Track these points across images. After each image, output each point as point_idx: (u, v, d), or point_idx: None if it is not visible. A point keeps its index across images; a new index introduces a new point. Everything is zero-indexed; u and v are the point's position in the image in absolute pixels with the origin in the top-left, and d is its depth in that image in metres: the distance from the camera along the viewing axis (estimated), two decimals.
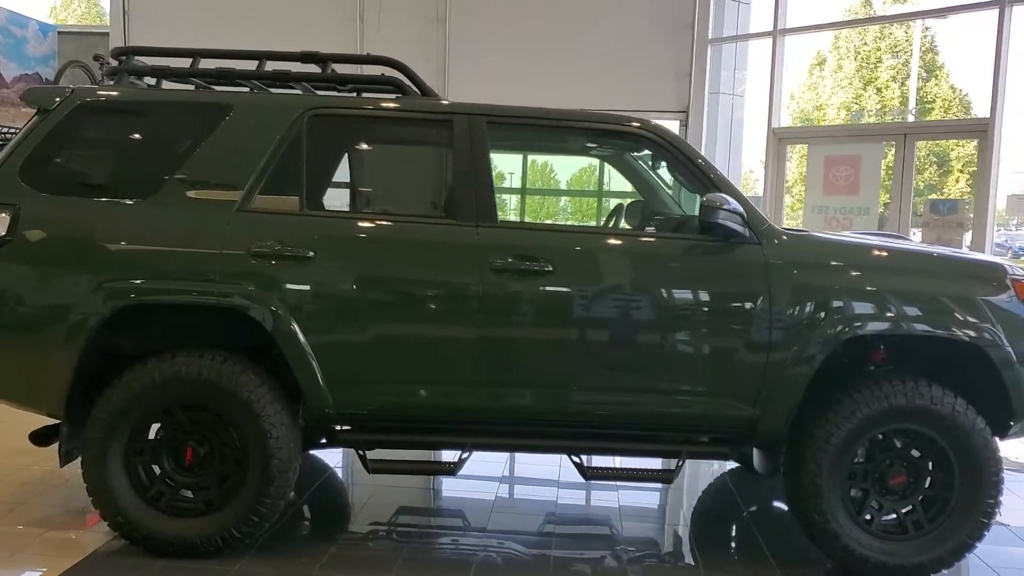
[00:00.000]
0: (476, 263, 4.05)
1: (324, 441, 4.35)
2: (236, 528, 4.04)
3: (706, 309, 4.12)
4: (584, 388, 4.13)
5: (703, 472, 5.60)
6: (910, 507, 4.22)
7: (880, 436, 4.17)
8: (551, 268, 4.06)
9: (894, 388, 4.09)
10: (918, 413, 4.09)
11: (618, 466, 4.41)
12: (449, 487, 5.30)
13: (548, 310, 4.09)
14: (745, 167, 14.01)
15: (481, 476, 5.42)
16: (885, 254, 4.36)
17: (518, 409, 4.13)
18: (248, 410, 4.00)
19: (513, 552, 4.37)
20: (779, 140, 13.12)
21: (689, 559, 4.39)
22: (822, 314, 4.07)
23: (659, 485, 5.20)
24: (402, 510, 4.93)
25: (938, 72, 31.01)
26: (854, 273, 4.16)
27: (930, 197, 21.44)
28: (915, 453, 4.21)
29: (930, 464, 4.21)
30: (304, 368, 4.03)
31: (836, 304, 4.08)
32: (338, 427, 4.23)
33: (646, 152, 4.67)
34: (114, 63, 4.42)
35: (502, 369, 4.10)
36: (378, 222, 4.20)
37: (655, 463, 4.24)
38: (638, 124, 4.30)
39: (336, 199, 4.70)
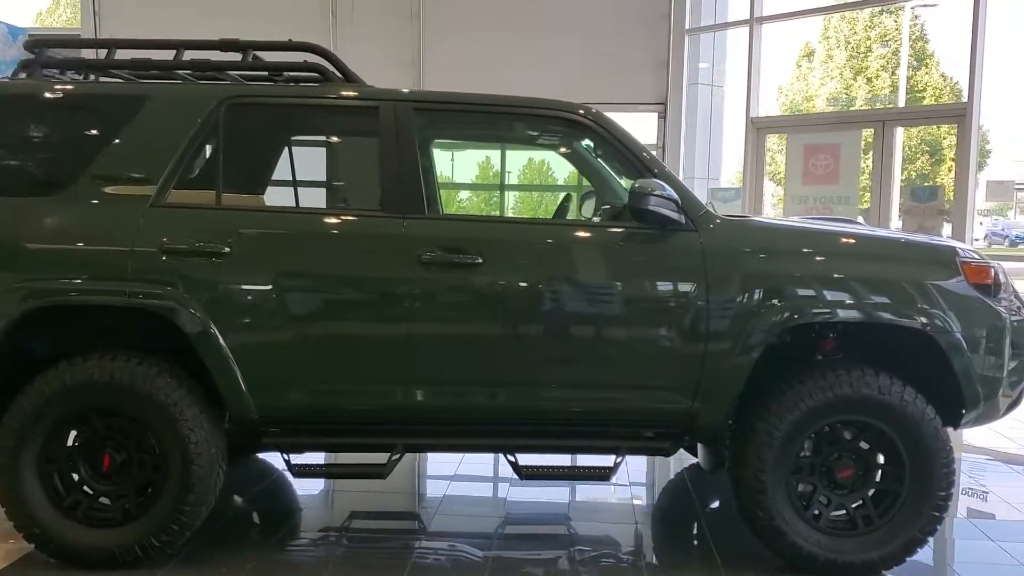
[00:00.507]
0: (402, 256, 3.88)
1: (252, 446, 4.17)
2: (155, 537, 3.88)
3: (640, 299, 3.96)
4: (517, 384, 3.97)
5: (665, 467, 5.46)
6: (860, 502, 4.05)
7: (827, 428, 4.00)
8: (480, 260, 3.89)
9: (839, 377, 3.93)
10: (865, 403, 3.93)
11: (553, 464, 4.24)
12: (402, 487, 5.13)
13: (478, 304, 3.93)
14: (729, 159, 13.82)
15: (438, 476, 5.27)
16: (827, 239, 4.20)
17: (449, 408, 3.98)
18: (165, 414, 3.83)
19: (460, 554, 4.21)
20: (758, 130, 12.95)
21: (648, 558, 4.23)
22: (760, 302, 3.91)
23: (622, 481, 5.01)
24: (353, 514, 4.76)
25: (928, 60, 30.85)
26: (793, 259, 4.00)
27: (910, 185, 21.22)
28: (864, 445, 4.05)
29: (879, 456, 4.04)
30: (223, 370, 3.86)
31: (774, 291, 3.92)
32: (264, 431, 4.04)
33: (583, 139, 4.50)
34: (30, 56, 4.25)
35: (432, 367, 3.93)
36: (298, 215, 4.03)
37: (598, 460, 4.06)
38: (567, 108, 4.13)
39: (269, 193, 4.51)
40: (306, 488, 5.03)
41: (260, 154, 4.33)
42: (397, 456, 3.96)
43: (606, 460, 4.05)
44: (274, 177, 4.36)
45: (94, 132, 4.03)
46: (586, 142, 4.66)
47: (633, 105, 13.43)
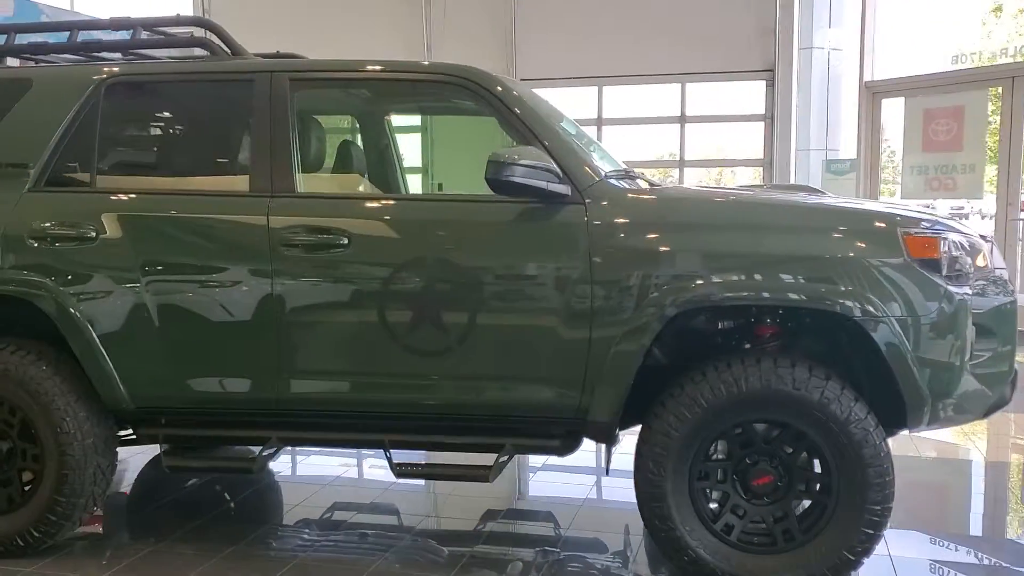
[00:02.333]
0: (266, 238, 3.64)
1: (131, 437, 4.04)
2: (35, 527, 3.82)
3: (516, 281, 3.55)
4: (388, 375, 3.65)
5: None
6: (781, 514, 3.49)
7: (737, 429, 3.46)
8: (346, 241, 3.60)
9: (746, 369, 3.38)
10: (777, 400, 3.37)
11: (429, 462, 3.89)
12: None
13: (344, 289, 3.63)
14: (849, 128, 12.75)
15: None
16: (741, 209, 3.63)
17: (318, 400, 3.71)
18: (37, 402, 3.77)
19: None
20: (872, 94, 11.89)
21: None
22: (650, 283, 3.42)
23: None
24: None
25: None
26: (689, 233, 3.47)
27: None
28: (786, 449, 3.48)
29: (799, 463, 3.47)
30: (91, 359, 3.75)
31: (667, 271, 3.41)
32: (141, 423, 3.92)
33: (473, 104, 4.08)
34: None
35: (299, 357, 3.68)
36: (165, 197, 3.85)
37: (483, 459, 3.67)
38: (448, 70, 3.75)
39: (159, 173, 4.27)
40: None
41: (148, 134, 4.18)
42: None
43: (486, 459, 3.66)
44: (166, 157, 4.20)
45: None
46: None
47: (738, 74, 12.65)
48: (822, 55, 12.84)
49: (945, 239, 3.41)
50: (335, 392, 3.69)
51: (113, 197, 3.85)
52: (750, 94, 12.59)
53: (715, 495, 3.55)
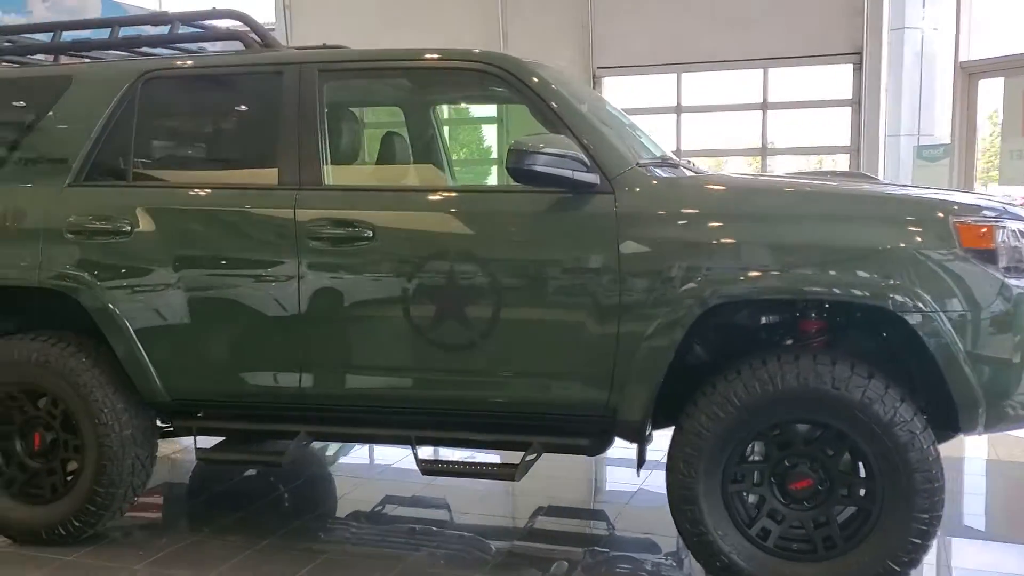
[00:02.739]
0: (293, 232, 3.61)
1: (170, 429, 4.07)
2: (75, 517, 3.89)
3: (544, 274, 3.42)
4: (415, 370, 3.58)
5: None
6: (822, 519, 3.29)
7: (776, 430, 3.28)
8: (371, 234, 3.54)
9: (782, 367, 3.19)
10: (816, 399, 3.17)
11: (455, 460, 3.80)
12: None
13: (368, 283, 3.57)
14: (945, 111, 12.16)
15: None
16: (778, 198, 3.43)
17: (347, 395, 3.67)
18: (77, 393, 3.84)
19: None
20: (968, 75, 11.30)
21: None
22: (679, 276, 3.26)
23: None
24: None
25: None
26: (727, 224, 3.29)
27: None
28: (828, 452, 3.28)
29: (842, 467, 3.26)
30: (128, 352, 3.79)
31: (697, 263, 3.25)
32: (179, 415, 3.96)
33: (504, 91, 3.96)
34: None
35: (326, 350, 3.64)
36: (198, 190, 3.86)
37: (512, 456, 3.57)
38: (478, 57, 3.64)
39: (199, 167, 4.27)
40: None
41: (184, 128, 4.20)
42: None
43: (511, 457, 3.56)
44: (199, 151, 4.21)
45: (24, 115, 4.07)
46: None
47: (824, 57, 12.18)
48: (915, 35, 12.28)
49: (1003, 227, 3.15)
50: (361, 387, 3.64)
51: (145, 191, 3.88)
52: (836, 78, 12.11)
53: (752, 499, 3.37)
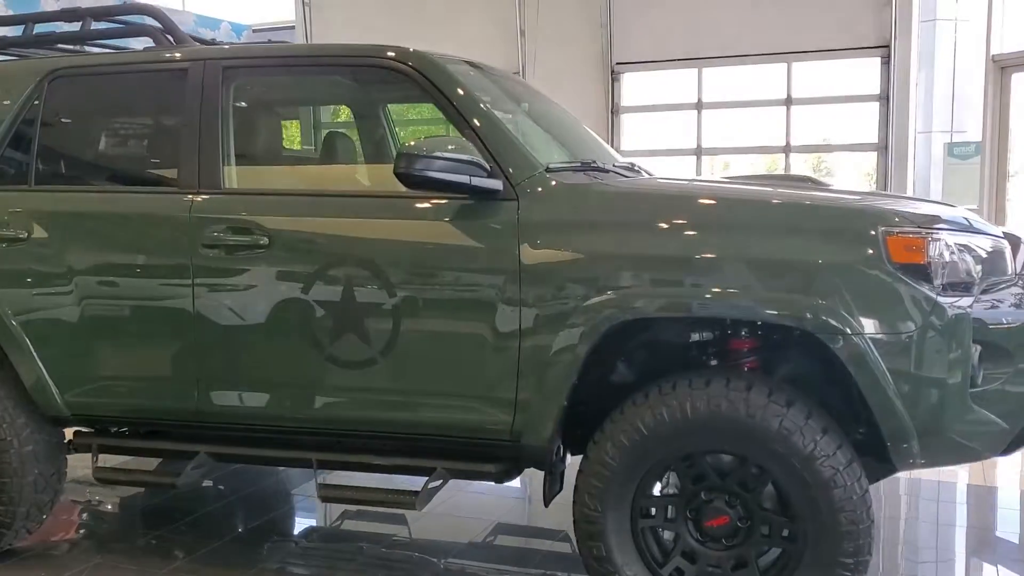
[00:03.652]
0: (187, 238, 3.40)
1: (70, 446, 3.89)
2: None
3: (440, 287, 3.16)
4: (311, 389, 3.34)
5: None
6: (737, 561, 2.99)
7: (686, 462, 2.98)
8: (266, 241, 3.31)
9: (692, 392, 2.89)
10: (728, 429, 2.87)
11: (355, 485, 3.54)
12: None
13: (263, 294, 3.34)
14: (979, 106, 11.60)
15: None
16: (692, 207, 3.11)
17: (237, 413, 3.44)
18: None
19: None
20: (1001, 69, 10.75)
21: None
22: (579, 292, 2.97)
23: None
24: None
25: None
26: (629, 235, 3.00)
27: None
28: (746, 487, 2.97)
29: (761, 503, 2.95)
30: (23, 363, 3.62)
31: (597, 278, 2.96)
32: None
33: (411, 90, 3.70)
34: None
35: (217, 366, 3.43)
36: (93, 194, 3.67)
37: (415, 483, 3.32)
38: (378, 51, 3.38)
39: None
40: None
41: (87, 129, 4.00)
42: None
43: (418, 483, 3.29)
44: (102, 152, 4.00)
45: None
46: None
47: (850, 51, 11.71)
48: (947, 27, 11.73)
49: (938, 240, 2.81)
50: (253, 405, 3.41)
51: (41, 195, 3.70)
52: (862, 73, 11.64)
53: (668, 535, 3.08)
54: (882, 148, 11.56)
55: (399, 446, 3.36)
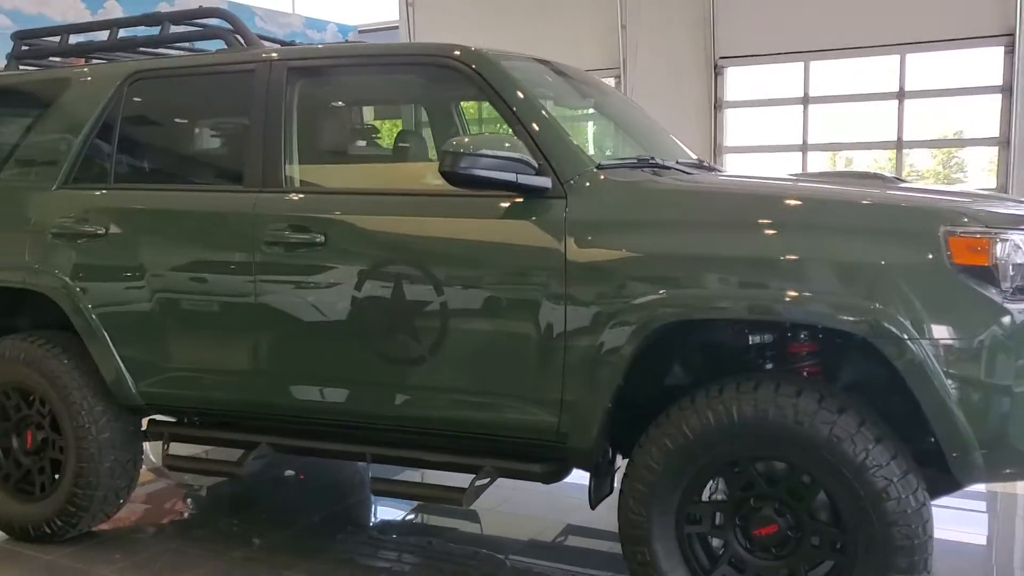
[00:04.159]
0: (251, 236, 3.49)
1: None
2: (58, 516, 3.92)
3: (488, 287, 3.14)
4: (363, 384, 3.38)
5: None
6: (788, 571, 2.88)
7: (736, 468, 2.89)
8: (322, 240, 3.37)
9: (740, 396, 2.80)
10: (776, 435, 2.76)
11: (405, 479, 3.56)
12: None
13: (319, 291, 3.40)
14: None
15: None
16: (748, 204, 2.99)
17: (296, 407, 3.51)
18: (58, 394, 3.86)
19: None
20: None
21: None
22: (629, 290, 2.91)
23: None
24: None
25: None
26: (675, 234, 2.92)
27: None
28: (796, 495, 2.86)
29: (809, 512, 2.84)
30: (101, 354, 3.79)
31: (648, 277, 2.90)
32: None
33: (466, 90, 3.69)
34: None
35: (278, 360, 3.51)
36: (166, 192, 3.81)
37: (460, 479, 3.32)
38: (433, 50, 3.40)
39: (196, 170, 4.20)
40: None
41: (158, 129, 4.13)
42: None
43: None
44: (177, 152, 4.14)
45: (24, 118, 4.13)
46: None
47: (969, 40, 11.15)
48: None
49: (1006, 241, 2.64)
50: (308, 399, 3.47)
51: (118, 194, 3.85)
52: (983, 63, 11.06)
53: (717, 543, 2.99)
54: (1003, 143, 10.97)
55: (449, 443, 3.36)
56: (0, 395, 4.03)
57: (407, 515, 4.44)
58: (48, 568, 3.80)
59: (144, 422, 4.05)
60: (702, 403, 2.85)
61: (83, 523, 3.95)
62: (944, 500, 4.30)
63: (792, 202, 2.92)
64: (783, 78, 11.85)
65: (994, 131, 11.14)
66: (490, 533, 4.16)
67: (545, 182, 3.07)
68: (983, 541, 4.10)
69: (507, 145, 3.02)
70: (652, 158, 3.42)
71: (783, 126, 11.96)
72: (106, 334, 3.76)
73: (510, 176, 3.01)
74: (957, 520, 4.26)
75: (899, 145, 11.53)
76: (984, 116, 11.16)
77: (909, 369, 2.61)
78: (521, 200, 3.12)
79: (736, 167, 12.03)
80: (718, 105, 12.09)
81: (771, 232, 2.81)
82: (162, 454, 3.85)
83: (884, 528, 2.66)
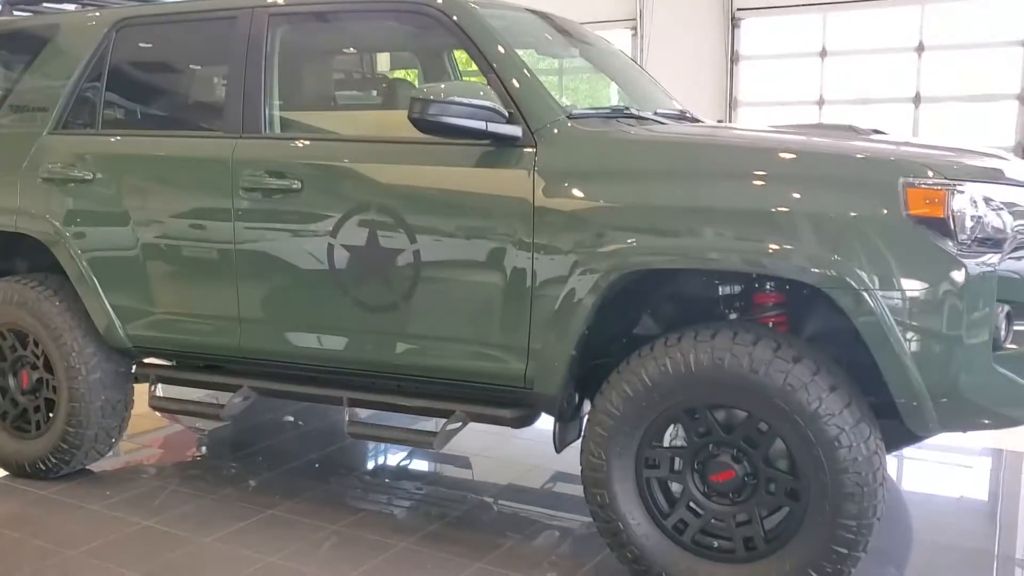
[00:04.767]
0: (229, 181, 3.55)
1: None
2: (52, 454, 4.05)
3: (457, 233, 3.19)
4: (338, 329, 3.46)
5: None
6: (745, 517, 2.94)
7: (694, 414, 2.94)
8: (298, 186, 3.42)
9: (696, 345, 2.85)
10: (732, 384, 2.81)
11: (381, 423, 3.65)
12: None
13: (296, 237, 3.46)
14: None
15: None
16: (709, 153, 3.02)
17: (273, 351, 3.60)
18: (50, 336, 3.97)
19: None
20: None
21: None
22: (591, 240, 2.95)
23: None
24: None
25: None
26: (635, 184, 2.95)
27: None
28: (751, 442, 2.91)
29: (763, 460, 2.89)
30: (90, 297, 3.89)
31: (611, 227, 2.93)
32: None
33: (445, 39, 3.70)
34: None
35: (255, 305, 3.59)
36: (150, 137, 3.87)
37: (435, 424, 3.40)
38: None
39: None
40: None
41: (142, 76, 4.17)
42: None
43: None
44: (159, 98, 4.18)
45: (19, 64, 4.19)
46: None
47: None
48: None
49: (962, 193, 2.64)
50: (284, 344, 3.55)
51: (106, 139, 3.92)
52: (1005, 16, 10.83)
53: (675, 487, 3.06)
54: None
55: (422, 389, 3.43)
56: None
57: (400, 460, 4.55)
58: (42, 502, 3.94)
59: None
60: (660, 351, 2.90)
61: (76, 460, 4.08)
62: (949, 457, 4.39)
63: (757, 153, 2.93)
64: (801, 31, 11.67)
65: (1016, 87, 10.95)
66: (480, 479, 4.26)
67: (515, 131, 3.10)
68: (985, 498, 4.13)
69: (480, 93, 3.04)
70: (627, 108, 3.43)
71: (800, 80, 11.80)
72: (95, 278, 3.86)
73: (479, 124, 3.04)
74: (961, 478, 4.30)
75: (917, 100, 11.36)
76: (1008, 71, 10.94)
77: (858, 317, 2.64)
78: (492, 148, 3.15)
79: (742, 121, 11.93)
80: (734, 58, 11.96)
81: (735, 183, 2.82)
82: (149, 396, 3.95)
83: (835, 475, 2.71)
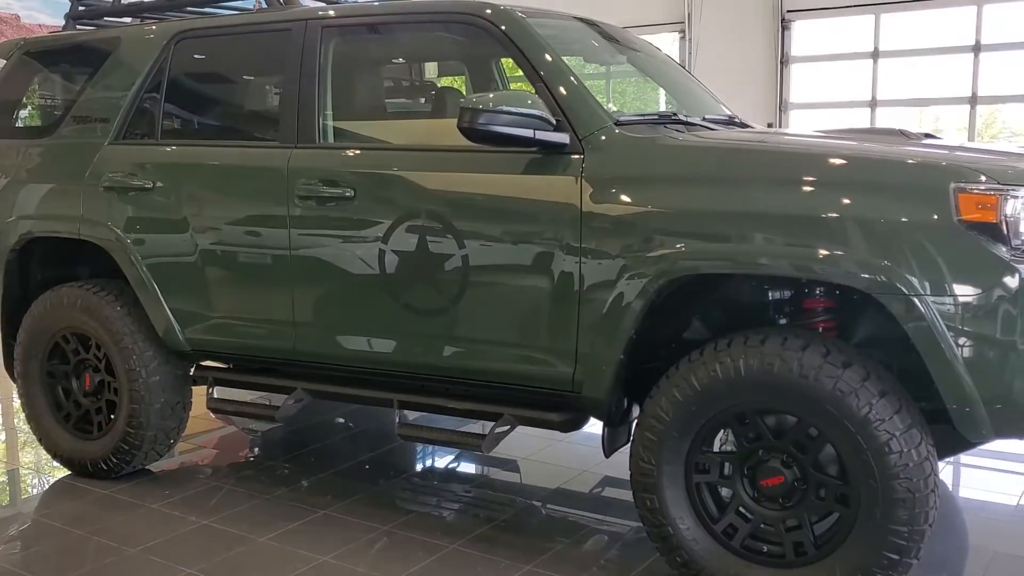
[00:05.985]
0: (285, 190, 3.63)
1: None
2: (112, 454, 4.16)
3: (505, 238, 3.23)
4: (384, 334, 3.52)
5: None
6: (795, 522, 2.94)
7: (745, 419, 2.95)
8: (351, 193, 3.49)
9: (746, 350, 2.85)
10: (781, 389, 2.81)
11: (431, 426, 3.69)
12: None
13: (349, 244, 3.53)
14: None
15: None
16: (758, 160, 3.02)
17: (327, 354, 3.67)
18: (111, 339, 4.09)
19: None
20: None
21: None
22: (639, 246, 2.97)
23: None
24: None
25: None
26: (684, 190, 2.97)
27: None
28: (802, 448, 2.91)
29: (813, 465, 2.89)
30: (150, 302, 3.99)
31: (658, 233, 2.95)
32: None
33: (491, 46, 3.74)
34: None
35: (311, 308, 3.66)
36: (209, 147, 3.96)
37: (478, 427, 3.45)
38: (453, 6, 3.46)
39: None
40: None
41: (201, 87, 4.27)
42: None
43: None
44: (217, 108, 4.28)
45: (83, 76, 4.32)
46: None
47: None
48: None
49: (1016, 198, 2.62)
50: (337, 347, 3.62)
51: (166, 149, 4.03)
52: None
53: (724, 492, 3.06)
54: None
55: (471, 392, 3.48)
56: (60, 340, 4.27)
57: (448, 463, 4.60)
58: (104, 500, 4.05)
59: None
60: (710, 356, 2.91)
61: (136, 460, 4.19)
62: (1005, 464, 4.33)
63: (809, 160, 2.93)
64: (852, 32, 11.55)
65: None
66: (528, 482, 4.29)
67: (563, 138, 3.13)
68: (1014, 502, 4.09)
69: (528, 102, 3.08)
70: (674, 114, 3.45)
71: (852, 82, 11.68)
72: (155, 283, 3.96)
73: (528, 132, 3.08)
74: (1018, 485, 4.26)
75: (973, 100, 11.18)
76: None
77: (909, 323, 2.63)
78: (540, 155, 3.19)
79: (793, 124, 11.83)
80: (784, 60, 11.87)
81: (785, 189, 2.83)
82: (207, 398, 4.05)
83: (886, 481, 2.70)
